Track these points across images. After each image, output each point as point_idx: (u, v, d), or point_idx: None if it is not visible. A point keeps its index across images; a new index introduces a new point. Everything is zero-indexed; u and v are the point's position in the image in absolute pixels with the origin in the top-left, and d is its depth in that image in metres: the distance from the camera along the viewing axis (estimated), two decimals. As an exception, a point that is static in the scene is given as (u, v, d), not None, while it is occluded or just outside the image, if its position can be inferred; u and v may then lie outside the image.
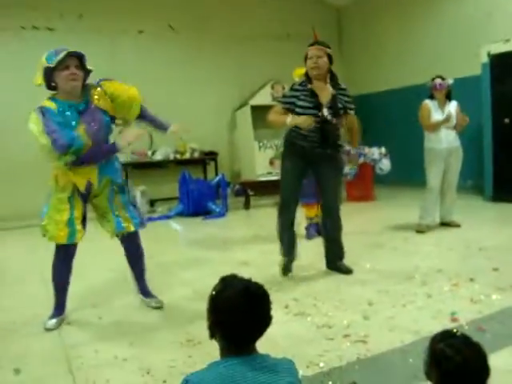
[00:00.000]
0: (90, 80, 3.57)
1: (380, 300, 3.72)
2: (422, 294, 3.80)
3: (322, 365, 2.70)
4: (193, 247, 6.13)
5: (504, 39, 7.82)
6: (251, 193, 9.18)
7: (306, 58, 4.33)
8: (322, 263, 4.64)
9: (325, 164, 4.40)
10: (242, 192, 9.27)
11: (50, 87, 3.45)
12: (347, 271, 4.48)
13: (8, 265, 5.77)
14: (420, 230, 6.01)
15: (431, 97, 6.03)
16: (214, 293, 1.58)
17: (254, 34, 10.96)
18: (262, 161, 10.24)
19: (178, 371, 2.71)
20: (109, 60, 9.69)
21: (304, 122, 4.15)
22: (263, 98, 10.46)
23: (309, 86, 4.29)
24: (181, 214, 8.39)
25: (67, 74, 3.32)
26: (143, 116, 3.76)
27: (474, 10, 8.88)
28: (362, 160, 8.73)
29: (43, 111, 3.27)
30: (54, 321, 3.55)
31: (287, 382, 1.53)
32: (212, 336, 1.58)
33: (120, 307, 3.94)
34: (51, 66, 3.29)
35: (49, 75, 3.36)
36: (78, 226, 3.46)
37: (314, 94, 4.24)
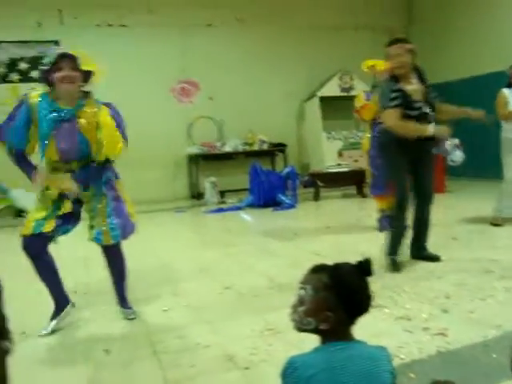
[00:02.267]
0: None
1: (458, 293, 3.67)
2: (501, 288, 3.71)
3: (403, 356, 2.71)
4: (264, 238, 6.21)
5: None
6: (321, 184, 9.18)
7: (387, 57, 4.31)
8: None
9: (424, 154, 4.44)
10: (311, 183, 9.28)
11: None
12: (436, 258, 4.52)
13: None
14: (496, 222, 5.86)
15: (510, 85, 5.84)
16: (329, 279, 1.61)
17: (322, 25, 10.92)
18: (330, 152, 10.23)
19: (260, 358, 2.79)
20: (179, 53, 9.92)
21: (444, 131, 4.31)
22: (332, 89, 10.45)
23: (398, 85, 4.24)
24: (251, 205, 8.49)
25: (59, 77, 3.18)
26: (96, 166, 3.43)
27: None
28: (434, 151, 8.58)
29: (22, 101, 3.28)
30: (50, 325, 3.45)
31: (387, 371, 1.57)
32: (321, 322, 1.58)
33: (199, 294, 4.06)
34: (45, 68, 3.22)
35: (46, 77, 3.26)
36: (50, 220, 3.32)
37: (406, 94, 4.23)
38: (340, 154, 10.25)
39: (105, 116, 3.33)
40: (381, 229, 5.96)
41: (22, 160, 3.36)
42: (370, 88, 6.27)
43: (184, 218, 8.35)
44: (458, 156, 8.50)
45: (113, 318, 3.67)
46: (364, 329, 3.02)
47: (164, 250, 5.83)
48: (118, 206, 3.48)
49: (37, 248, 3.33)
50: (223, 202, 9.27)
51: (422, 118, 4.26)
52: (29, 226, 3.31)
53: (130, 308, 3.69)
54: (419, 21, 11.85)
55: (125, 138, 3.41)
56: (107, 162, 3.43)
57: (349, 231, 6.03)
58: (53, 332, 3.42)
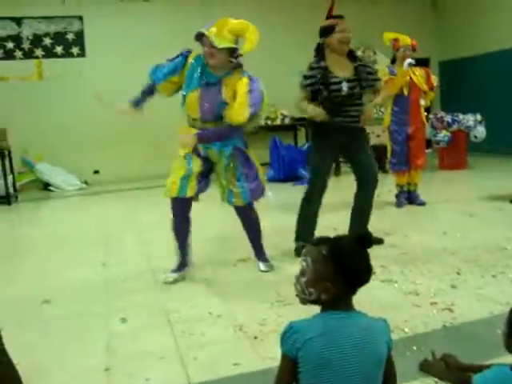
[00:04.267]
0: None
1: (469, 269, 3.71)
2: (513, 265, 3.75)
3: (407, 330, 2.78)
4: (283, 212, 6.26)
5: None
6: (342, 159, 9.16)
7: (328, 30, 4.18)
8: (411, 231, 4.66)
9: (350, 138, 4.24)
10: (332, 158, 9.26)
11: None
12: (380, 241, 4.43)
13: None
14: (514, 200, 5.83)
15: None
16: (328, 251, 1.67)
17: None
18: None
19: (269, 329, 2.88)
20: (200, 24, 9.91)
21: (317, 116, 4.07)
22: (355, 63, 10.35)
23: (323, 63, 4.14)
24: (272, 180, 8.53)
25: (203, 52, 3.63)
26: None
27: None
28: (455, 127, 8.53)
29: (181, 53, 3.77)
30: (173, 275, 3.86)
31: (383, 341, 1.65)
32: (322, 292, 1.64)
33: (214, 266, 4.18)
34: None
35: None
36: (192, 182, 3.70)
37: (329, 71, 4.11)
38: (361, 129, 10.21)
39: (241, 86, 3.62)
40: (398, 204, 5.99)
41: (146, 91, 3.83)
42: (390, 62, 6.21)
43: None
44: (480, 132, 8.48)
45: (131, 288, 3.80)
46: (372, 302, 3.13)
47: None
48: (249, 171, 3.80)
49: (182, 211, 3.79)
50: (244, 176, 9.32)
51: (343, 97, 4.11)
52: (174, 188, 3.70)
53: (266, 261, 4.04)
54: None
55: (253, 109, 3.59)
56: (237, 128, 3.71)
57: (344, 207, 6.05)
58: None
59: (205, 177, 3.82)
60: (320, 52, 4.25)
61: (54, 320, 3.29)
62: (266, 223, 5.57)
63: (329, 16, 4.32)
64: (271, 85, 10.88)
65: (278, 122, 10.41)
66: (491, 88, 9.99)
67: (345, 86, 4.09)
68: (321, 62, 4.17)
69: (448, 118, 8.56)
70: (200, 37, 3.61)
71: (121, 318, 3.21)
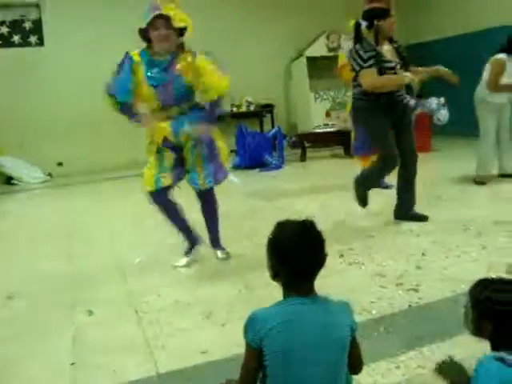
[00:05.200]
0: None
1: (434, 250, 3.76)
2: (477, 245, 3.81)
3: (374, 312, 2.81)
4: (250, 199, 6.26)
5: None
6: (307, 144, 9.20)
7: (384, 13, 4.20)
8: (377, 214, 4.70)
9: (402, 115, 4.46)
10: (298, 144, 9.30)
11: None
12: (424, 218, 4.54)
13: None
14: (479, 181, 5.92)
15: (509, 50, 5.68)
16: (272, 236, 1.68)
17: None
18: (318, 112, 10.24)
19: (237, 316, 2.87)
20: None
21: (421, 77, 4.36)
22: (319, 48, 10.39)
23: (378, 48, 4.23)
24: (238, 167, 8.52)
25: (156, 36, 3.49)
26: (209, 105, 3.74)
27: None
28: (419, 110, 8.59)
29: (124, 58, 3.56)
30: (185, 259, 3.92)
31: (346, 324, 1.64)
32: (275, 276, 1.67)
33: (180, 255, 4.12)
34: (142, 27, 3.53)
35: (143, 33, 3.57)
36: (167, 175, 3.66)
37: (381, 54, 4.23)
38: (327, 114, 10.26)
39: (202, 60, 3.60)
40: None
41: (126, 110, 3.64)
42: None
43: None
44: (443, 115, 8.52)
45: (98, 279, 3.76)
46: (339, 284, 3.15)
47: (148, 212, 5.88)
48: (211, 152, 3.74)
49: (162, 200, 3.75)
50: (211, 164, 9.28)
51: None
52: (150, 182, 3.66)
53: (222, 248, 4.04)
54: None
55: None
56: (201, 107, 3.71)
57: (333, 191, 6.10)
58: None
59: (180, 165, 3.75)
60: (373, 34, 4.25)
61: (19, 314, 3.24)
62: (235, 208, 5.62)
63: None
64: (236, 72, 10.84)
65: (244, 109, 10.37)
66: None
67: (398, 71, 4.28)
68: (374, 46, 4.22)
69: (412, 102, 8.61)
70: (154, 20, 3.47)
71: (87, 310, 3.17)
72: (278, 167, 8.30)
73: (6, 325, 3.08)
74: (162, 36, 3.48)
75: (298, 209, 5.28)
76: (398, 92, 4.35)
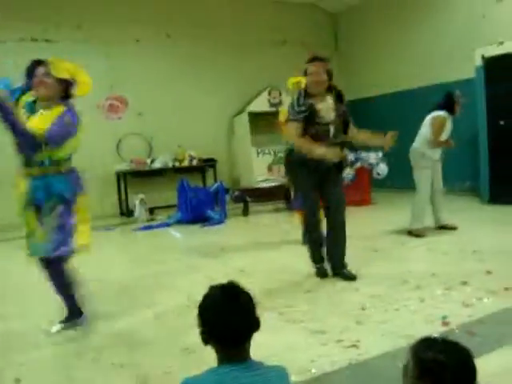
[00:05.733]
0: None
1: (373, 305, 3.77)
2: (415, 298, 3.85)
3: (313, 370, 2.76)
4: (191, 255, 6.18)
5: (498, 42, 7.90)
6: (249, 199, 9.23)
7: (305, 74, 4.37)
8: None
9: (329, 172, 4.47)
10: (240, 198, 9.31)
11: None
12: (353, 278, 4.46)
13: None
14: (416, 233, 6.03)
15: (449, 108, 5.98)
16: (199, 303, 1.64)
17: (250, 41, 11.05)
18: (260, 167, 10.32)
19: (174, 378, 2.76)
20: (107, 69, 9.79)
21: (334, 155, 4.23)
22: (261, 104, 10.57)
23: (309, 101, 4.31)
24: (180, 222, 8.43)
25: (33, 82, 3.40)
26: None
27: (468, 14, 8.95)
28: (359, 164, 8.82)
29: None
30: (59, 326, 3.67)
31: None
32: (205, 342, 1.63)
33: (118, 314, 3.99)
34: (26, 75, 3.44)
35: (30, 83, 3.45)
36: (37, 239, 3.43)
37: (314, 110, 4.29)
38: (270, 169, 10.36)
39: (55, 110, 3.38)
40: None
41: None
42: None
43: (112, 235, 8.20)
44: (382, 169, 8.81)
45: (28, 342, 3.57)
46: (278, 342, 3.10)
47: (88, 268, 5.69)
48: (65, 222, 3.45)
49: (44, 265, 3.55)
50: (152, 219, 9.18)
51: (325, 137, 4.33)
52: (28, 248, 3.51)
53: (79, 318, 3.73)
54: (343, 38, 12.19)
55: (53, 132, 3.31)
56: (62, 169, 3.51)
57: (275, 246, 6.09)
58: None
59: None
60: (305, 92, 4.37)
61: None
62: (175, 265, 5.53)
63: (309, 59, 4.41)
64: (179, 126, 10.96)
65: (186, 163, 10.36)
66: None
67: (332, 128, 4.30)
68: (307, 101, 4.30)
69: (351, 157, 8.85)
70: (33, 67, 3.40)
71: (15, 379, 2.96)
72: (221, 222, 8.26)
73: None
74: (37, 83, 3.38)
75: (239, 265, 5.22)
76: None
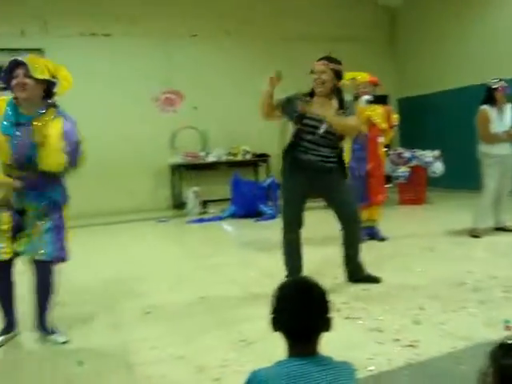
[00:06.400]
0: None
1: (431, 305, 3.71)
2: (474, 300, 3.77)
3: (371, 368, 2.74)
4: (244, 249, 6.23)
5: None
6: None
7: (311, 72, 4.25)
8: (372, 267, 4.65)
9: (332, 181, 4.31)
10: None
11: None
12: (376, 280, 4.36)
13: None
14: (475, 234, 5.91)
15: (489, 100, 5.84)
16: (273, 295, 1.65)
17: (306, 36, 10.98)
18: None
19: (231, 370, 2.81)
20: (164, 63, 9.95)
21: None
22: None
23: (309, 99, 4.21)
24: (233, 216, 8.50)
25: (13, 84, 3.23)
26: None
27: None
28: (414, 163, 8.70)
29: None
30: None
31: None
32: (274, 329, 1.63)
33: (174, 306, 4.06)
34: (3, 75, 3.26)
35: (9, 84, 3.28)
36: (5, 243, 3.29)
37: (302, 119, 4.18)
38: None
39: (54, 128, 3.25)
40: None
41: None
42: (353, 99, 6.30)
43: (165, 227, 8.34)
44: (437, 167, 8.66)
45: (88, 329, 3.67)
46: (336, 341, 3.06)
47: (142, 260, 5.83)
48: (58, 230, 3.37)
49: (5, 274, 3.38)
50: (205, 212, 9.28)
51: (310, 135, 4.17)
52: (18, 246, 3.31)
53: (54, 332, 3.45)
54: (400, 34, 11.99)
55: (72, 157, 3.28)
56: (55, 176, 3.36)
57: (326, 243, 6.05)
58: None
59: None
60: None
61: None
62: (228, 258, 5.58)
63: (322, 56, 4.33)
64: (233, 121, 11.00)
65: (240, 157, 10.43)
66: (448, 124, 10.24)
67: (322, 128, 4.09)
68: (308, 96, 4.24)
69: (407, 154, 8.74)
70: (13, 68, 3.21)
71: (77, 361, 3.07)
72: (273, 217, 8.26)
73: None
74: (17, 85, 3.20)
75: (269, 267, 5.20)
76: (308, 153, 4.19)
